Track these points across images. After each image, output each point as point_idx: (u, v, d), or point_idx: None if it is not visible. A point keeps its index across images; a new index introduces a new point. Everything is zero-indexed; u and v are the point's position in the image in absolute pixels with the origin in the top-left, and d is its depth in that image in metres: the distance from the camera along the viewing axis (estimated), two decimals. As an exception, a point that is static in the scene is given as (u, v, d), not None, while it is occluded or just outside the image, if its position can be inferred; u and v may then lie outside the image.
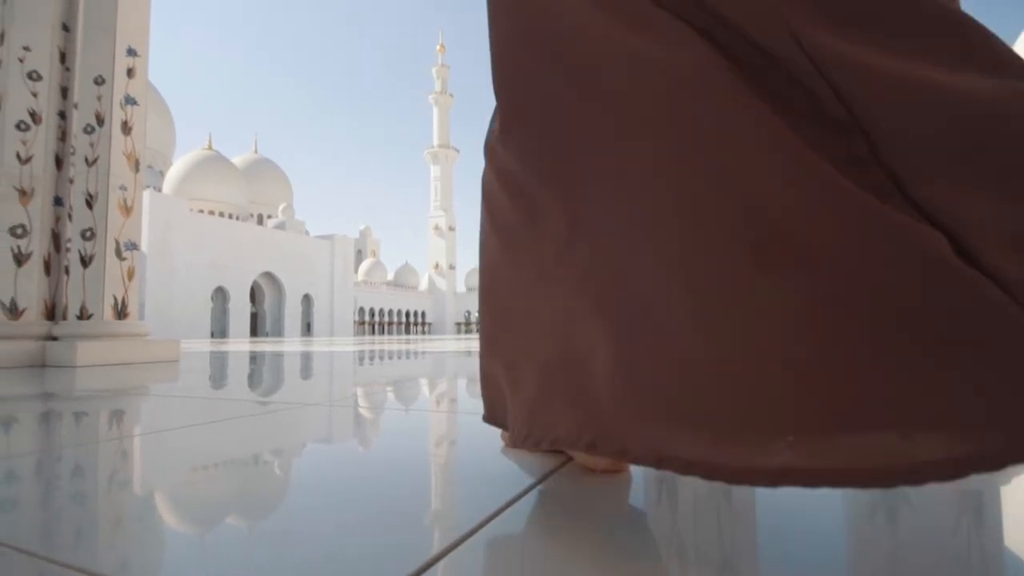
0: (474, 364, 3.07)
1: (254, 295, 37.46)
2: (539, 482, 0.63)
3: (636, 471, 0.67)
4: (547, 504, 0.57)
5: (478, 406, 1.27)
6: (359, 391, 1.79)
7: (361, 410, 1.36)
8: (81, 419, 1.30)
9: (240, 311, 34.56)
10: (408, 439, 1.00)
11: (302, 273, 39.23)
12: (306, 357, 4.31)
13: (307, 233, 42.29)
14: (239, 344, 10.45)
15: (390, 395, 1.67)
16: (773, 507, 0.56)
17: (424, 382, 2.07)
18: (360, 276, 49.94)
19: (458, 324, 49.52)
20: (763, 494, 0.62)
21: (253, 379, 2.37)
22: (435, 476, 0.72)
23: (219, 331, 34.02)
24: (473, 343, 8.65)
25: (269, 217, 43.39)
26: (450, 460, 0.82)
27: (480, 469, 0.74)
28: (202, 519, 0.58)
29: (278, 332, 37.05)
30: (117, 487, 0.72)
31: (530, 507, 0.55)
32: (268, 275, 37.06)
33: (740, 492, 0.66)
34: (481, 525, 0.49)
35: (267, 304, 37.85)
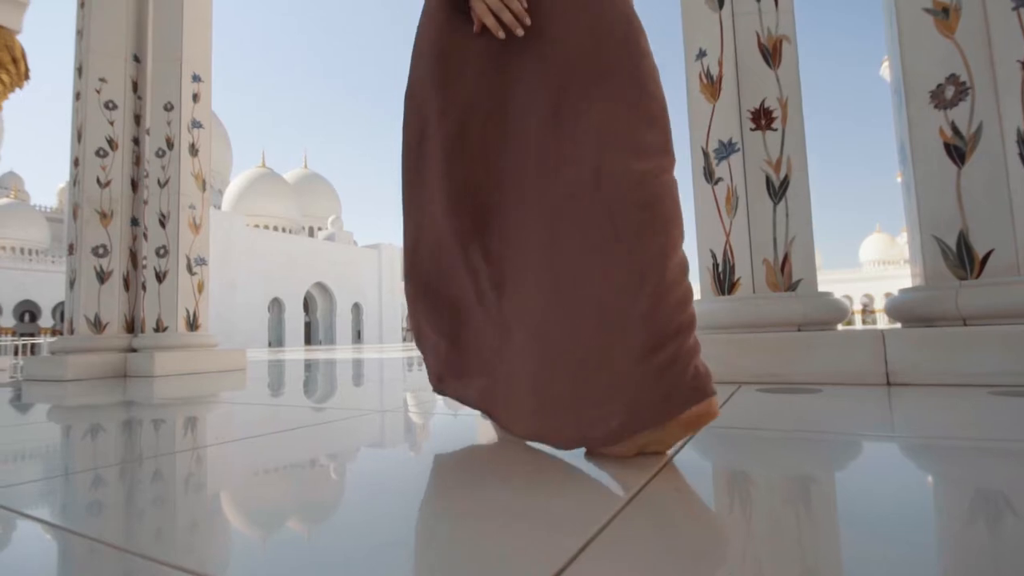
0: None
1: (307, 305, 38.87)
2: (637, 493, 0.60)
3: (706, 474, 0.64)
4: (647, 513, 0.54)
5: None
6: (409, 397, 1.81)
7: (412, 416, 1.37)
8: (160, 426, 1.37)
9: (295, 321, 35.94)
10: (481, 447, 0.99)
11: (351, 282, 40.41)
12: (363, 364, 4.42)
13: (355, 243, 43.59)
14: (296, 353, 10.84)
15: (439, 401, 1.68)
16: (854, 515, 0.51)
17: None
18: (407, 284, 50.76)
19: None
20: (844, 501, 0.57)
21: (319, 387, 2.44)
22: (536, 482, 0.71)
23: (276, 340, 35.48)
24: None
25: (319, 229, 45.01)
26: (541, 466, 0.81)
27: (570, 475, 0.72)
28: (327, 528, 0.59)
29: (330, 340, 38.27)
30: (216, 490, 0.74)
31: (634, 520, 0.53)
32: (320, 285, 38.38)
33: (819, 499, 0.61)
34: (598, 533, 0.47)
35: (319, 313, 39.20)
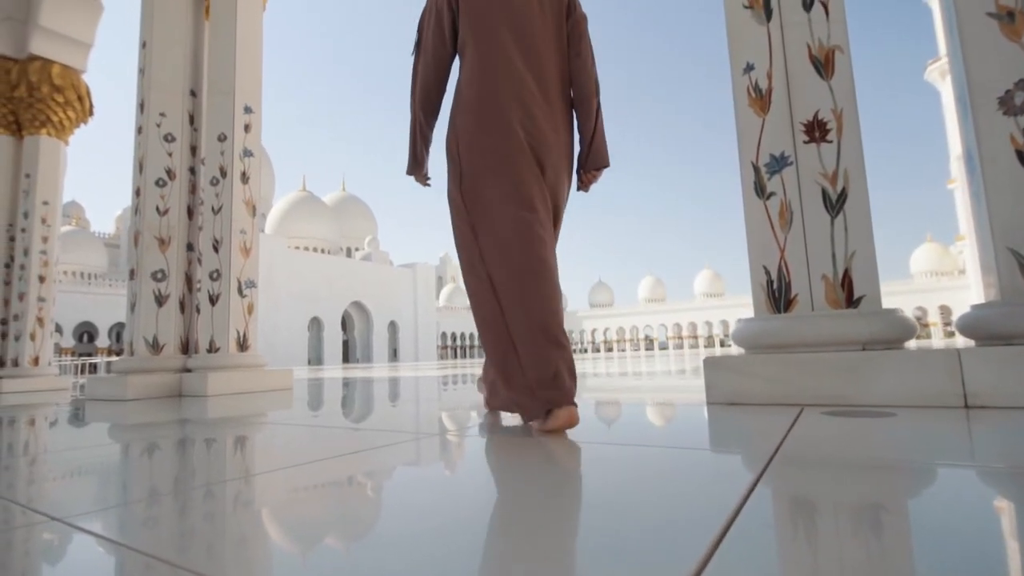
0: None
1: (345, 324, 39.70)
2: (729, 525, 0.58)
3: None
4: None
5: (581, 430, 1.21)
6: (445, 416, 1.81)
7: (462, 440, 1.36)
8: (212, 445, 1.41)
9: (333, 339, 36.74)
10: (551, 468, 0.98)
11: (388, 301, 41.09)
12: (403, 383, 4.46)
13: (391, 263, 44.44)
14: (335, 371, 11.04)
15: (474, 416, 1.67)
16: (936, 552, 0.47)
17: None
18: (441, 302, 51.47)
19: (537, 346, 49.30)
20: (918, 526, 0.53)
21: (363, 408, 2.47)
22: (609, 512, 0.69)
23: (315, 358, 36.31)
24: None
25: (356, 250, 46.14)
26: (604, 498, 0.79)
27: (640, 510, 0.69)
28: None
29: (367, 358, 38.89)
30: (264, 516, 0.75)
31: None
32: (357, 304, 39.19)
33: (891, 527, 0.57)
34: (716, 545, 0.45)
35: (357, 332, 39.98)
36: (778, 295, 1.82)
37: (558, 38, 1.54)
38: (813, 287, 1.76)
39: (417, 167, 1.64)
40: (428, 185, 1.73)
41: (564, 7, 1.58)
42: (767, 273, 1.84)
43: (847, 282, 1.72)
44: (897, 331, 1.67)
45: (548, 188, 1.46)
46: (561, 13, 1.57)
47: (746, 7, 1.97)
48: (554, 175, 1.48)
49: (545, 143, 1.44)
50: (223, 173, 3.82)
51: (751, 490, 0.71)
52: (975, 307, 1.65)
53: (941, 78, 26.47)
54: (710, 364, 1.83)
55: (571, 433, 1.28)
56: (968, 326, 1.63)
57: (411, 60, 1.64)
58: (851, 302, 1.72)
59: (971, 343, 1.64)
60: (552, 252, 1.43)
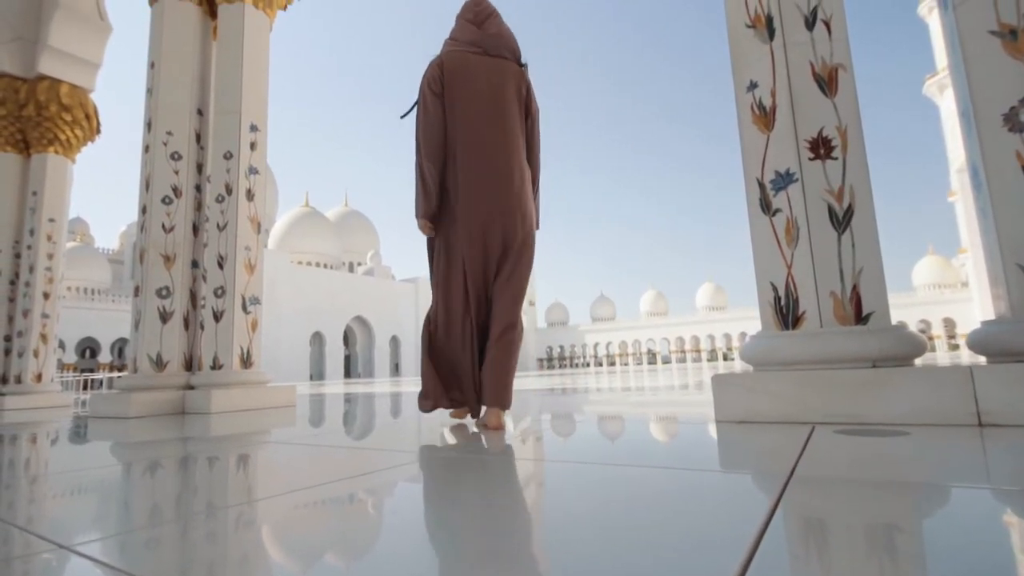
0: (554, 403, 3.00)
1: (347, 338, 39.62)
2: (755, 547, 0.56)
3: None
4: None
5: (563, 449, 1.19)
6: (446, 432, 1.79)
7: (455, 454, 1.35)
8: (214, 464, 1.40)
9: (335, 354, 36.63)
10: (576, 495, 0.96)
11: (390, 316, 41.03)
12: (405, 399, 4.43)
13: (393, 277, 44.47)
14: (337, 387, 10.99)
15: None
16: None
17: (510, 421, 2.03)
18: (443, 316, 51.15)
19: (540, 360, 49.20)
20: (932, 545, 0.52)
21: (365, 427, 2.44)
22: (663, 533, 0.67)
23: (317, 374, 36.17)
24: (562, 380, 8.50)
25: (359, 264, 46.21)
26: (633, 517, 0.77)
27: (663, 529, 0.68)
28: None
29: (369, 373, 38.72)
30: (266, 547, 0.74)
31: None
32: (359, 319, 39.13)
33: (905, 544, 0.56)
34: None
35: (359, 347, 39.86)
36: (786, 312, 1.81)
37: (519, 119, 2.03)
38: (821, 304, 1.75)
39: (431, 211, 2.01)
40: (432, 235, 2.05)
41: (523, 101, 2.05)
42: (774, 290, 1.83)
43: (855, 298, 1.71)
44: (907, 348, 1.65)
45: (522, 234, 1.95)
46: (522, 103, 2.05)
47: (749, 26, 1.99)
48: (526, 223, 1.99)
49: (511, 197, 1.95)
50: (229, 191, 3.85)
51: (771, 515, 0.69)
52: (985, 323, 1.64)
53: (939, 92, 26.68)
54: (719, 382, 1.81)
55: (580, 455, 1.27)
56: (979, 342, 1.61)
57: (412, 94, 2.10)
58: (860, 318, 1.70)
59: (981, 359, 1.63)
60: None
